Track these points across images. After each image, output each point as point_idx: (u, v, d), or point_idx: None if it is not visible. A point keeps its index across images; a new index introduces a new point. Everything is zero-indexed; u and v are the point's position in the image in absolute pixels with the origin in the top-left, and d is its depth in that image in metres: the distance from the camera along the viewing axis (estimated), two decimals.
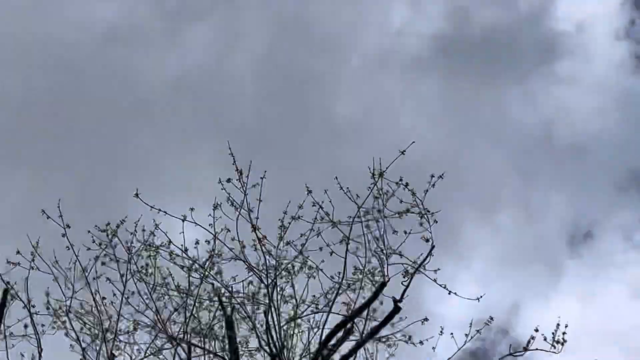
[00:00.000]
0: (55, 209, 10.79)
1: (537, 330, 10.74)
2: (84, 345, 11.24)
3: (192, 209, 10.69)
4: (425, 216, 10.70)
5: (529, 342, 10.78)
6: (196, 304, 11.37)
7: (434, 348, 11.19)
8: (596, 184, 31.58)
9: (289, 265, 11.23)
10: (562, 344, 10.74)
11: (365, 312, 11.11)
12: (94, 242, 11.11)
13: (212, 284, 11.42)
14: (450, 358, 10.97)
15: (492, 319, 11.03)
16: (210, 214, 10.76)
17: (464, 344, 10.98)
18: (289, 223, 10.92)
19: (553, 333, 10.71)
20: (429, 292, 11.87)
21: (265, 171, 10.54)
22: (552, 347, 10.75)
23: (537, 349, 10.80)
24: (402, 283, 10.89)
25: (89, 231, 11.12)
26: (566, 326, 10.73)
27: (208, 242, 10.93)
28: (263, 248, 10.89)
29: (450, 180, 10.66)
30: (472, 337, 10.95)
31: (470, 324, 10.97)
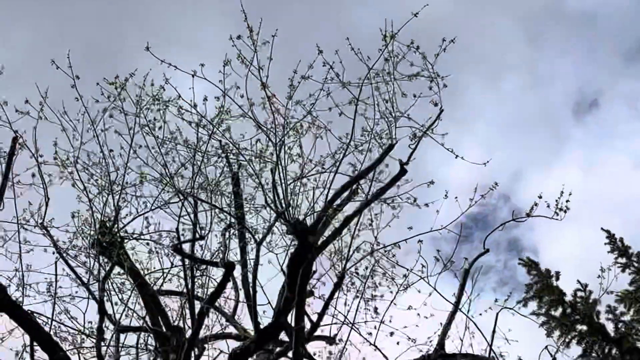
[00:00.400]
0: (64, 60, 11.03)
1: (540, 197, 11.26)
2: (90, 196, 11.81)
3: (202, 65, 10.82)
4: (435, 80, 11.06)
5: (531, 208, 11.34)
6: (204, 160, 11.91)
7: (437, 211, 11.64)
8: (604, 53, 31.77)
9: (298, 124, 11.57)
10: (565, 212, 11.32)
11: (371, 174, 11.67)
12: (102, 94, 11.50)
13: (220, 141, 11.92)
14: (453, 222, 11.60)
15: (497, 184, 11.57)
16: (220, 71, 10.93)
17: (468, 208, 11.54)
18: (299, 82, 11.13)
19: (556, 200, 11.26)
20: (433, 156, 12.47)
21: (277, 29, 10.64)
22: (555, 214, 11.33)
23: (539, 216, 11.41)
24: (409, 146, 11.46)
25: (97, 83, 11.47)
26: (570, 194, 11.28)
27: (217, 98, 11.20)
28: (272, 106, 11.16)
29: (457, 45, 10.89)
30: (476, 202, 11.50)
31: (475, 188, 11.50)
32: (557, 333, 15.96)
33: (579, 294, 16.32)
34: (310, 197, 11.77)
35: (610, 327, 15.81)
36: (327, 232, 11.75)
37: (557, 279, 16.60)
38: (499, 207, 16.80)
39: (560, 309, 16.28)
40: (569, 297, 16.31)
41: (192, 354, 11.41)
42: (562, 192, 11.28)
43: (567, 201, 11.31)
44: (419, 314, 12.63)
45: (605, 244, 16.99)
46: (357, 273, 12.68)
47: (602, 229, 17.19)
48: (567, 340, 15.89)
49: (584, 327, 15.79)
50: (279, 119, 11.38)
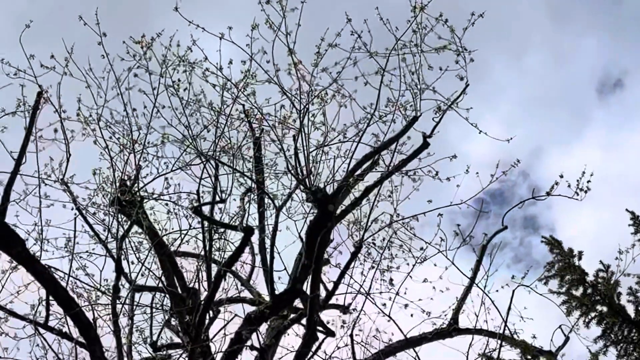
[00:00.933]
0: (92, 16, 11.35)
1: (561, 177, 11.70)
2: (112, 154, 12.31)
3: (230, 28, 11.12)
4: (462, 54, 11.43)
5: (552, 187, 11.81)
6: (227, 123, 12.28)
7: (458, 186, 12.09)
8: (631, 32, 31.79)
9: (322, 92, 11.92)
10: (586, 192, 11.83)
11: (393, 145, 12.14)
12: (128, 53, 11.87)
13: (244, 105, 12.25)
14: (473, 197, 12.08)
15: (518, 161, 12.12)
16: (247, 35, 11.22)
17: (489, 184, 11.98)
18: (326, 50, 11.46)
19: (577, 180, 11.73)
20: (454, 131, 12.88)
21: None
22: (575, 194, 11.81)
23: (559, 195, 11.85)
24: (432, 119, 11.87)
25: (123, 42, 11.83)
26: (591, 174, 11.76)
27: (244, 62, 11.51)
28: (298, 73, 11.48)
29: (483, 19, 11.24)
30: (497, 178, 11.94)
31: (497, 164, 11.97)
32: (577, 313, 16.34)
33: (601, 274, 16.71)
34: (331, 166, 12.18)
35: (630, 309, 16.22)
36: (347, 202, 12.24)
37: (580, 258, 16.96)
38: (518, 183, 17.23)
39: (581, 289, 16.65)
40: (590, 278, 16.70)
41: (207, 316, 11.85)
42: (583, 172, 11.75)
43: (589, 182, 11.77)
44: (434, 288, 13.25)
45: (629, 225, 17.39)
46: (374, 244, 13.24)
47: (626, 210, 17.57)
48: (587, 320, 16.28)
49: (604, 308, 16.16)
50: (304, 86, 11.71)
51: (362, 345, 12.91)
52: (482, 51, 11.80)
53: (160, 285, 12.59)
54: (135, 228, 12.73)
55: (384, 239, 13.26)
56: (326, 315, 13.44)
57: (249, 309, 12.85)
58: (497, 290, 12.74)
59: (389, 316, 12.45)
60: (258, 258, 13.81)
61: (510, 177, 12.34)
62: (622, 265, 13.73)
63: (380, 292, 13.19)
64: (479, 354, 12.62)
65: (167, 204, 13.06)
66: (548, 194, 11.97)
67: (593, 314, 16.04)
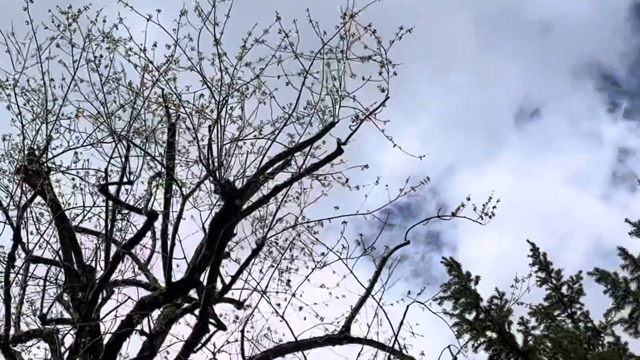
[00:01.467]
0: None
1: (468, 199, 11.83)
2: (24, 122, 12.17)
3: (159, 11, 11.13)
4: (386, 66, 11.47)
5: (458, 209, 11.90)
6: (144, 106, 12.27)
7: (366, 195, 12.13)
8: (554, 65, 32.58)
9: (243, 86, 11.99)
10: (490, 217, 11.89)
11: (308, 148, 12.17)
12: (53, 22, 11.75)
13: (163, 89, 12.20)
14: (380, 209, 12.16)
15: (428, 179, 12.05)
16: (175, 20, 11.26)
17: (397, 198, 12.02)
18: (252, 45, 11.52)
19: (483, 205, 11.82)
20: (370, 140, 12.99)
21: None
22: (480, 218, 11.88)
23: (464, 217, 11.95)
24: (349, 127, 11.90)
25: (49, 10, 11.69)
26: (498, 201, 11.82)
27: (168, 47, 11.55)
28: (221, 64, 11.53)
29: (409, 33, 11.35)
30: (405, 193, 11.98)
31: (407, 179, 11.98)
32: (467, 336, 16.60)
33: (495, 301, 17.02)
34: (243, 161, 12.20)
35: (520, 338, 16.56)
36: (254, 198, 12.25)
37: (476, 283, 17.25)
38: (427, 199, 17.43)
39: (474, 313, 16.94)
40: (484, 303, 17.00)
41: (100, 296, 11.87)
42: (490, 198, 11.84)
43: (494, 207, 11.86)
44: (330, 294, 13.28)
45: (528, 256, 17.79)
46: (277, 243, 13.32)
47: (527, 240, 17.99)
48: (476, 344, 16.55)
49: (494, 335, 16.46)
50: (226, 78, 11.76)
51: (252, 343, 12.96)
52: (407, 65, 11.92)
53: (57, 259, 12.50)
54: (38, 199, 12.63)
55: (286, 240, 13.36)
56: (220, 309, 13.50)
57: (143, 293, 12.90)
58: (392, 304, 12.84)
59: (282, 317, 12.49)
60: (159, 243, 13.74)
61: (420, 192, 12.48)
62: (517, 293, 13.94)
63: (277, 292, 13.24)
64: None
65: (73, 179, 12.92)
66: (453, 214, 12.08)
67: (483, 339, 16.33)
